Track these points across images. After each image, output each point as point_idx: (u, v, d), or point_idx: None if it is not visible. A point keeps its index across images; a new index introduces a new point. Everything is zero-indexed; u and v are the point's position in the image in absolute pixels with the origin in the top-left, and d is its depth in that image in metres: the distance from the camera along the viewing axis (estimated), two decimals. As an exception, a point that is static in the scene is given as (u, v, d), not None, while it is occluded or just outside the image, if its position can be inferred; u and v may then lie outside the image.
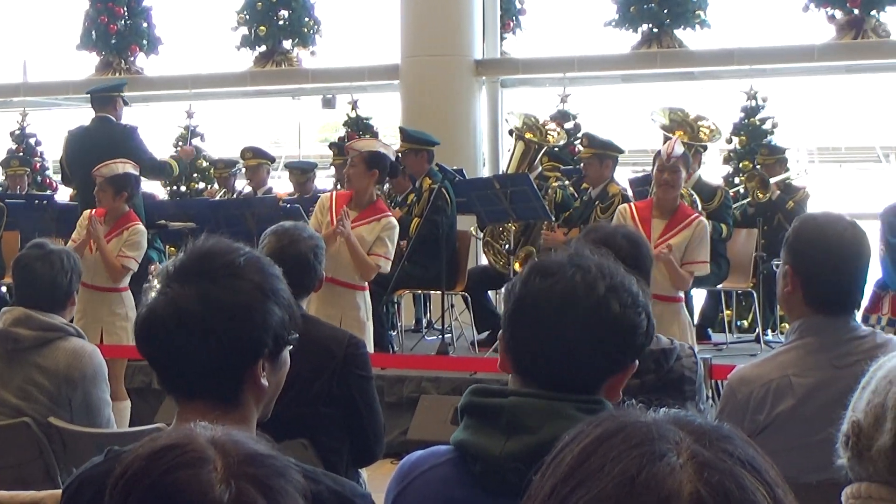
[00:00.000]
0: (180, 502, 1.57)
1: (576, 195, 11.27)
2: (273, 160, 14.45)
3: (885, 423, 2.30)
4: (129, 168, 9.25)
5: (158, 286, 2.52)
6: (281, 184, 15.33)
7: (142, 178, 10.13)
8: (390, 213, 8.78)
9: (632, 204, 8.33)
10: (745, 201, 11.72)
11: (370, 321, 8.67)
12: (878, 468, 2.32)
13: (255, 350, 2.50)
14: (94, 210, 9.15)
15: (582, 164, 11.34)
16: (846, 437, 2.38)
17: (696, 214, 8.14)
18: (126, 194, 9.07)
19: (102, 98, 11.16)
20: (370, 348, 8.65)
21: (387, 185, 11.79)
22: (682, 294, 7.83)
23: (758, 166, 12.60)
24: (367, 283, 8.61)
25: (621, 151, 11.43)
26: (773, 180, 11.73)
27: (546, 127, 12.35)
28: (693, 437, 1.25)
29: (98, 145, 10.46)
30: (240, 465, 1.59)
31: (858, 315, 7.51)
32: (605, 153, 10.92)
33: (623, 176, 11.63)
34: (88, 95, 11.48)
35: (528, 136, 11.93)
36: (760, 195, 11.63)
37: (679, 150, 8.04)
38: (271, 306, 2.52)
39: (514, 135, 12.15)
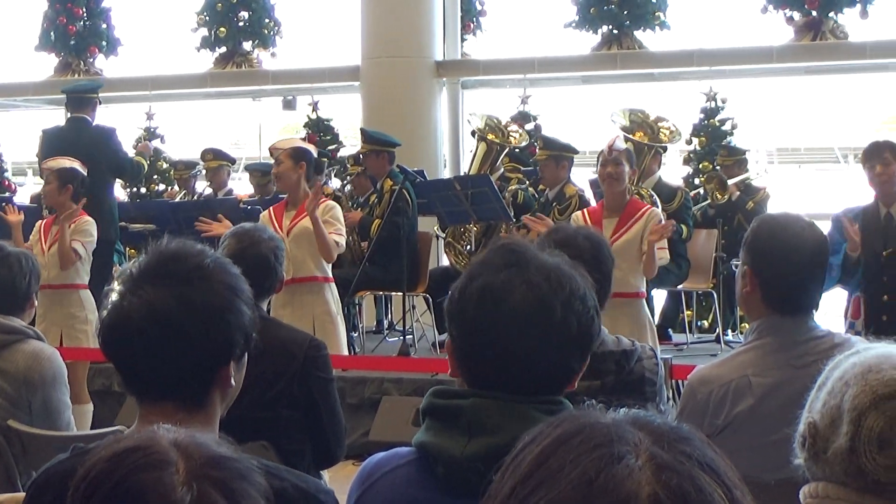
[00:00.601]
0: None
1: (536, 196, 11.29)
2: (233, 162, 14.42)
3: (842, 425, 2.32)
4: (77, 165, 9.20)
5: (122, 288, 2.51)
6: (241, 185, 15.29)
7: (117, 180, 10.14)
8: (325, 198, 8.82)
9: (584, 210, 8.32)
10: (705, 203, 11.77)
11: (341, 315, 8.69)
12: (835, 470, 2.34)
13: (228, 350, 2.51)
14: (44, 221, 9.13)
15: (538, 167, 11.35)
16: (803, 438, 2.40)
17: (647, 206, 8.15)
18: (71, 189, 8.98)
19: (79, 99, 11.15)
20: (343, 344, 8.70)
21: (348, 187, 11.79)
22: (643, 289, 7.83)
23: (717, 167, 12.66)
24: (331, 275, 8.63)
25: (576, 152, 11.46)
26: (731, 181, 11.78)
27: (508, 128, 12.38)
28: (652, 439, 1.26)
29: (74, 146, 10.45)
30: (202, 468, 1.58)
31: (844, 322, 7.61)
32: (561, 154, 10.95)
33: (583, 177, 11.65)
34: (58, 96, 11.47)
35: (490, 137, 11.95)
36: (719, 196, 11.69)
37: (620, 144, 8.07)
38: (241, 306, 2.53)
39: (476, 136, 12.17)
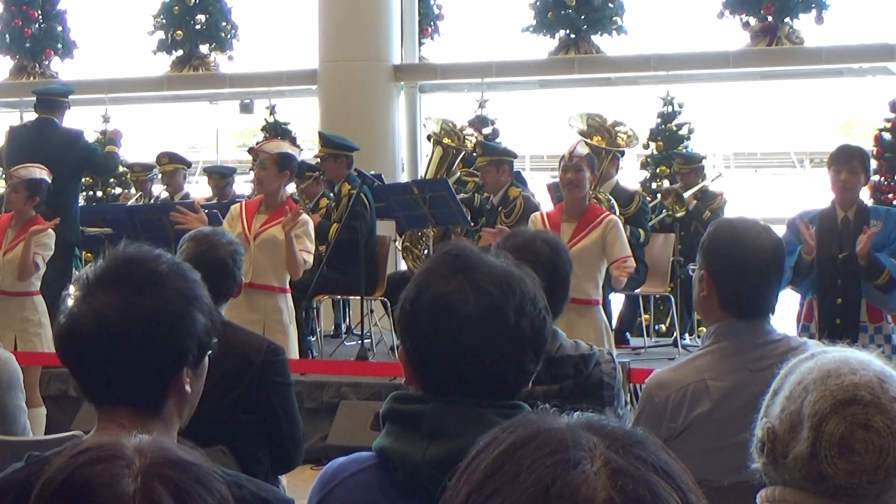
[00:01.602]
0: (87, 493, 1.57)
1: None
2: (189, 165, 14.37)
3: (802, 430, 2.33)
4: (45, 175, 9.18)
5: (77, 294, 2.50)
6: (199, 188, 15.24)
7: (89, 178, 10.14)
8: (301, 211, 8.77)
9: (544, 212, 8.34)
10: (663, 214, 11.81)
11: (293, 324, 8.66)
12: (794, 475, 2.35)
13: (179, 358, 2.50)
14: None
15: (480, 173, 11.36)
16: (761, 443, 2.41)
17: (606, 213, 8.17)
18: (38, 200, 8.98)
19: (50, 101, 11.14)
20: (294, 352, 8.66)
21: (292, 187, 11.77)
22: (597, 297, 7.86)
23: (676, 175, 12.69)
24: (288, 287, 8.60)
25: (515, 156, 11.54)
26: (687, 194, 11.83)
27: (464, 132, 12.41)
28: (606, 443, 1.27)
29: (40, 146, 10.44)
30: (156, 466, 1.58)
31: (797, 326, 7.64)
32: (501, 159, 11.01)
33: (541, 181, 11.68)
34: (24, 98, 11.47)
35: (445, 141, 11.98)
36: (677, 209, 11.74)
37: (582, 150, 8.07)
38: (195, 313, 2.52)
39: (431, 140, 12.18)
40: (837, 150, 7.61)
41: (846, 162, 7.35)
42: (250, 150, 13.96)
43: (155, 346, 2.46)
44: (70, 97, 11.49)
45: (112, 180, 15.96)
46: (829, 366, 2.35)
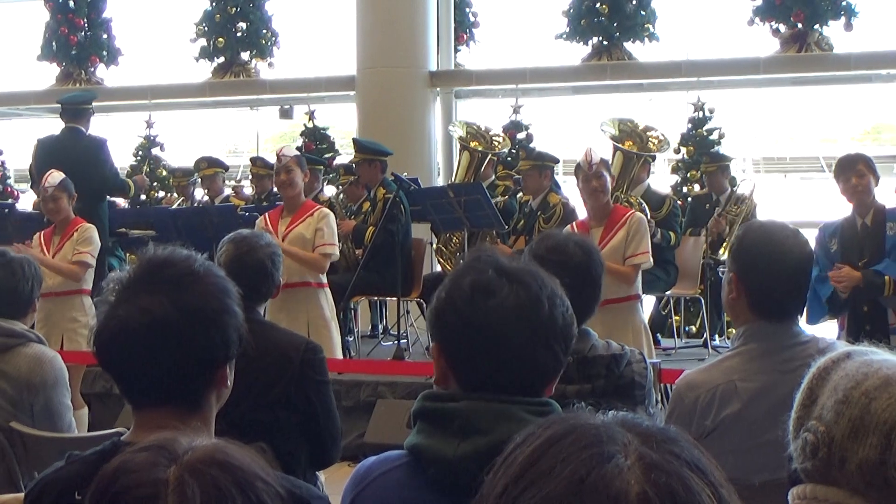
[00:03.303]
0: (127, 474, 1.59)
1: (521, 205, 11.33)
2: (227, 168, 14.40)
3: (868, 437, 2.30)
4: (63, 175, 9.20)
5: (117, 297, 2.50)
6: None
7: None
8: (319, 206, 8.85)
9: (573, 225, 8.27)
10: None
11: (335, 320, 8.70)
12: (853, 481, 2.32)
13: (226, 350, 2.52)
14: (43, 233, 9.11)
15: (521, 177, 11.38)
16: (814, 447, 2.37)
17: (631, 211, 8.14)
18: (75, 197, 9.04)
19: (74, 110, 11.13)
20: (338, 348, 8.70)
21: (341, 196, 11.79)
22: (636, 291, 7.81)
23: (701, 174, 12.64)
24: (325, 280, 8.65)
25: (557, 161, 11.54)
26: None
27: (491, 134, 12.41)
28: (640, 440, 1.27)
29: (69, 155, 10.45)
30: (198, 461, 1.59)
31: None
32: (543, 164, 11.02)
33: (573, 185, 11.65)
34: (58, 105, 11.46)
35: (473, 144, 11.98)
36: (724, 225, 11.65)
37: (596, 156, 8.05)
38: (234, 307, 2.54)
39: (460, 145, 12.20)
40: (839, 160, 7.61)
41: (851, 168, 7.32)
42: (252, 160, 13.94)
43: (203, 341, 2.48)
44: (109, 102, 11.50)
45: (155, 184, 16.04)
46: (888, 371, 2.32)
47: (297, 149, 14.90)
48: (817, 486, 2.33)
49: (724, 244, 11.31)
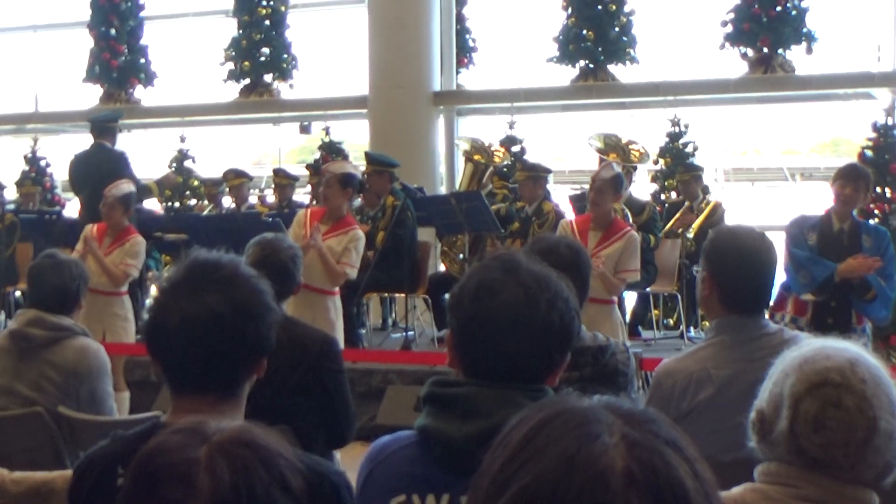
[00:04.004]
0: (162, 454, 1.60)
1: (518, 211, 11.34)
2: (252, 178, 14.41)
3: (783, 410, 2.34)
4: (132, 186, 9.25)
5: (172, 295, 2.51)
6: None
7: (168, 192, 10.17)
8: (357, 227, 8.79)
9: (572, 220, 8.33)
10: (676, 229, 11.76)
11: (340, 320, 8.68)
12: (779, 450, 2.36)
13: (266, 344, 2.55)
14: (95, 226, 9.12)
15: (517, 186, 11.42)
16: (753, 423, 2.42)
17: (628, 228, 8.15)
18: (131, 211, 9.08)
19: (101, 127, 11.14)
20: (340, 345, 8.68)
21: (358, 201, 11.80)
22: (615, 298, 7.85)
23: (677, 183, 12.67)
24: (337, 289, 8.63)
25: (550, 171, 11.57)
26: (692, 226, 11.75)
27: (491, 149, 12.43)
28: (623, 421, 1.27)
29: (98, 168, 10.46)
30: (227, 442, 1.60)
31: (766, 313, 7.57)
32: (537, 174, 11.05)
33: (564, 194, 11.67)
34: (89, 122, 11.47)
35: (476, 157, 12.01)
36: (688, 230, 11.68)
37: (605, 174, 8.05)
38: (273, 305, 2.57)
39: (464, 157, 12.23)
40: (847, 166, 7.49)
41: (853, 180, 7.18)
42: (308, 167, 13.99)
43: (251, 333, 2.50)
44: (147, 119, 11.51)
45: (188, 192, 16.07)
46: (807, 353, 2.37)
47: (315, 160, 14.97)
48: (781, 464, 2.37)
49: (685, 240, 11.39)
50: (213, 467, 1.56)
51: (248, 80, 16.39)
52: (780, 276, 7.11)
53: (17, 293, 12.25)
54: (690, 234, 11.56)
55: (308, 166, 14.55)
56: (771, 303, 4.06)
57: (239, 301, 2.49)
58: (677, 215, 11.86)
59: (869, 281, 7.12)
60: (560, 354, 2.44)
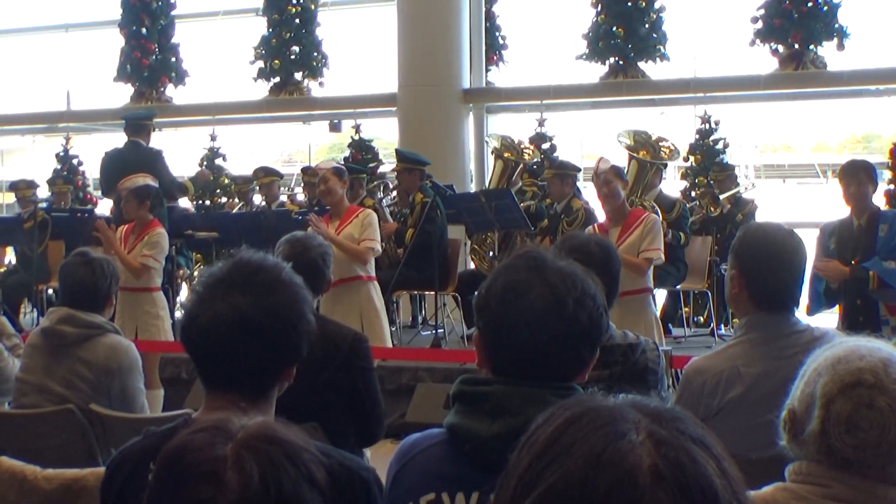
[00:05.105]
0: (189, 453, 1.61)
1: (546, 209, 11.34)
2: (282, 176, 14.46)
3: (814, 410, 2.33)
4: (149, 180, 9.24)
5: (210, 294, 2.52)
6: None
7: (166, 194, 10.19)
8: (363, 208, 8.97)
9: (594, 226, 8.27)
10: (696, 217, 11.73)
11: (384, 309, 8.77)
12: (810, 449, 2.35)
13: (298, 353, 2.55)
14: (126, 226, 9.13)
15: (546, 183, 11.42)
16: (784, 422, 2.41)
17: (646, 213, 8.12)
18: (148, 203, 9.03)
19: (136, 125, 11.20)
20: (387, 336, 8.76)
21: (388, 198, 11.82)
22: (648, 284, 7.79)
23: (711, 182, 12.65)
24: (374, 274, 8.72)
25: (579, 170, 11.59)
26: (724, 196, 11.76)
27: (521, 146, 12.42)
28: (650, 419, 1.27)
29: (130, 166, 10.49)
30: (252, 438, 1.61)
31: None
32: (565, 172, 11.04)
33: (593, 191, 11.64)
34: (123, 120, 11.52)
35: (506, 155, 11.99)
36: (713, 209, 11.69)
37: (605, 165, 8.03)
38: (310, 315, 2.57)
39: (494, 155, 12.22)
40: (845, 165, 7.55)
41: (853, 176, 7.27)
42: (303, 170, 13.91)
43: (282, 342, 2.51)
44: (177, 118, 11.56)
45: (218, 191, 16.12)
46: (840, 353, 2.36)
47: (345, 159, 14.99)
48: (811, 463, 2.36)
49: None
50: (241, 464, 1.57)
51: (278, 79, 16.42)
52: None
53: (49, 291, 12.32)
54: (715, 212, 11.57)
55: (303, 169, 14.46)
56: (800, 301, 4.02)
57: (271, 307, 2.49)
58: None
59: (863, 269, 7.13)
60: (589, 352, 2.44)
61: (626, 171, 8.39)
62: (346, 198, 8.99)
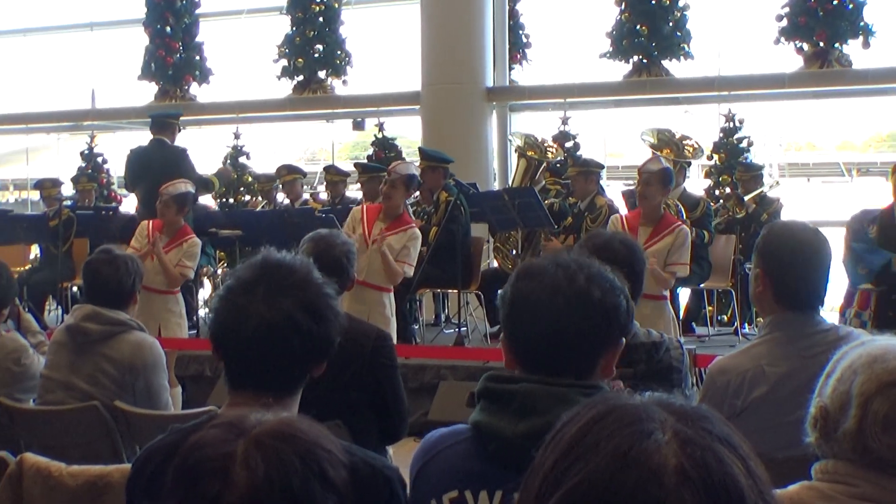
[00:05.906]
0: (201, 449, 1.61)
1: (570, 206, 11.33)
2: (305, 175, 14.48)
3: (850, 408, 2.32)
4: (190, 187, 9.32)
5: (243, 295, 2.52)
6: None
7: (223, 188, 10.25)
8: (414, 225, 8.93)
9: (623, 214, 8.31)
10: (721, 219, 11.70)
11: (394, 317, 8.78)
12: (843, 448, 2.34)
13: (328, 349, 2.56)
14: (152, 222, 9.19)
15: (570, 181, 11.41)
16: (815, 420, 2.40)
17: (679, 223, 8.12)
18: (186, 209, 9.15)
19: (162, 123, 11.23)
20: (394, 340, 8.75)
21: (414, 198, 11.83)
22: (666, 293, 7.82)
23: (736, 182, 12.61)
24: (392, 286, 8.76)
25: (602, 167, 11.56)
26: (747, 197, 11.72)
27: (545, 145, 12.40)
28: (676, 417, 1.27)
29: (155, 164, 10.54)
30: (263, 435, 1.61)
31: (835, 312, 7.54)
32: (589, 170, 11.03)
33: (616, 189, 11.63)
34: (149, 119, 11.55)
35: (529, 153, 11.98)
36: (738, 211, 11.65)
37: (652, 166, 8.02)
38: (340, 312, 2.58)
39: (517, 153, 12.21)
40: None
41: None
42: (356, 165, 13.95)
43: (317, 340, 2.51)
44: (201, 116, 11.58)
45: (242, 189, 16.16)
46: (876, 351, 2.34)
47: (368, 157, 15.00)
48: (839, 462, 2.35)
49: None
50: (248, 461, 1.57)
51: (301, 77, 16.44)
52: (839, 275, 7.09)
53: (74, 288, 12.37)
54: (740, 213, 11.52)
55: (356, 164, 14.54)
56: (825, 300, 4.00)
57: (310, 304, 2.51)
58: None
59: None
60: (607, 330, 2.43)
61: (671, 181, 8.30)
62: (405, 207, 9.05)
